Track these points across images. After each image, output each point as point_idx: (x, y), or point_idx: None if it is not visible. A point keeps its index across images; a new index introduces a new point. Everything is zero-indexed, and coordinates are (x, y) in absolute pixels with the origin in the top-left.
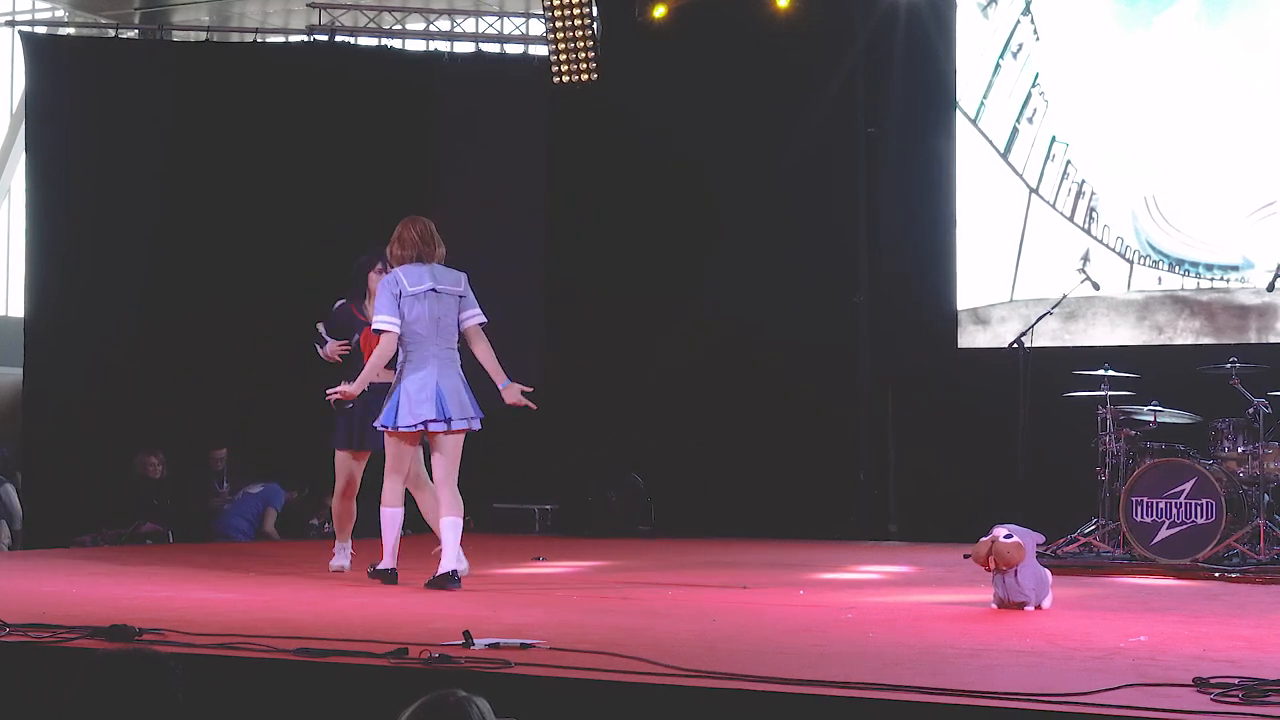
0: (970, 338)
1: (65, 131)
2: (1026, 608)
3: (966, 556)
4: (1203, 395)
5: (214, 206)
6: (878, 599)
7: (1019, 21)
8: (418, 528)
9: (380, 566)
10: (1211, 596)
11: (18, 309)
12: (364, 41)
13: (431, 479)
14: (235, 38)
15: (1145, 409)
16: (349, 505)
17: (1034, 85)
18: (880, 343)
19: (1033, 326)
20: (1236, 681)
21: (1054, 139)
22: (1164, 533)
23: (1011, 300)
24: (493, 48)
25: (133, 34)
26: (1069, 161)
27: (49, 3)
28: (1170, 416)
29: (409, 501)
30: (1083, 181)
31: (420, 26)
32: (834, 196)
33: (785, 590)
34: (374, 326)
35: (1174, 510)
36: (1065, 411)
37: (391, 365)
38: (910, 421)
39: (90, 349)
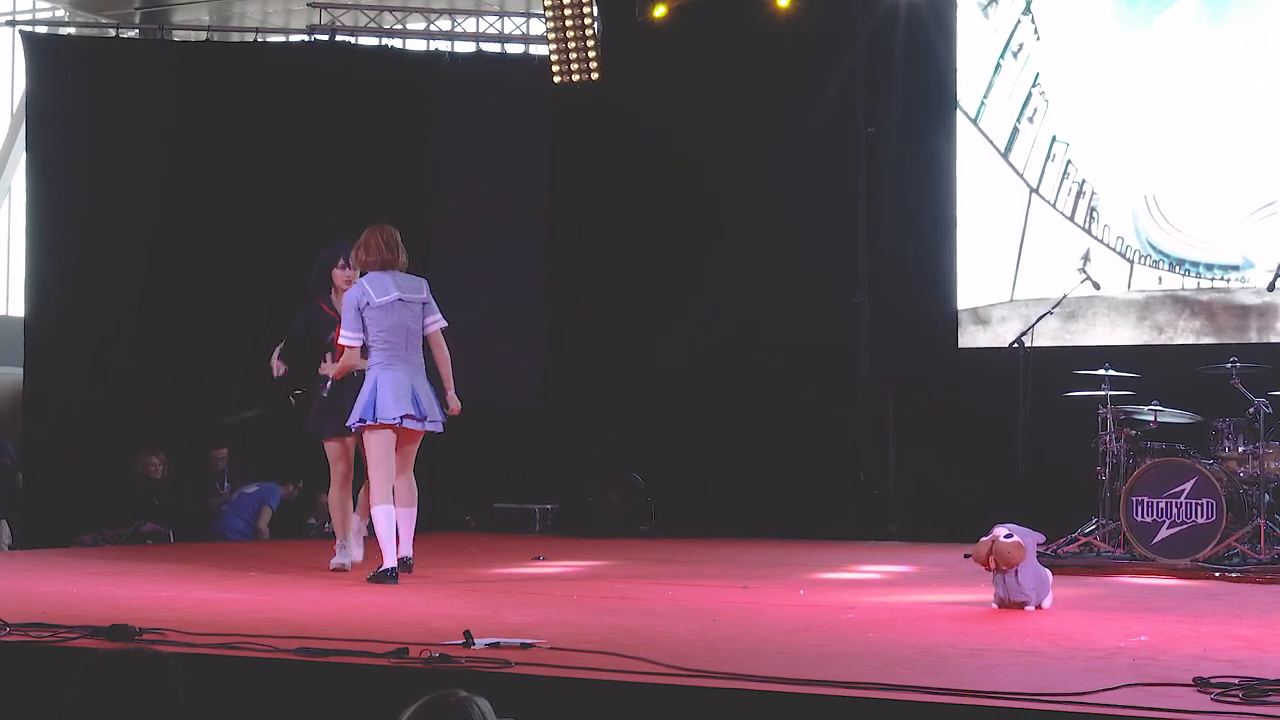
0: (970, 337)
1: (65, 131)
2: (1027, 607)
3: (967, 556)
4: (1203, 395)
5: (214, 207)
6: (878, 599)
7: (1019, 21)
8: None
9: (381, 569)
10: (1212, 596)
11: (18, 309)
12: (364, 41)
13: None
14: (236, 37)
15: (1145, 409)
16: (346, 497)
17: (1034, 85)
18: (880, 343)
19: (1033, 326)
20: (1237, 681)
21: (1054, 139)
22: (1164, 532)
23: (1012, 300)
24: (493, 47)
25: (133, 34)
26: (1069, 161)
27: (49, 2)
28: (1170, 416)
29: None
30: (1083, 181)
31: (421, 26)
32: (834, 196)
33: (785, 590)
34: (340, 339)
35: (1174, 510)
36: (1065, 411)
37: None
38: (910, 421)
39: (90, 349)
